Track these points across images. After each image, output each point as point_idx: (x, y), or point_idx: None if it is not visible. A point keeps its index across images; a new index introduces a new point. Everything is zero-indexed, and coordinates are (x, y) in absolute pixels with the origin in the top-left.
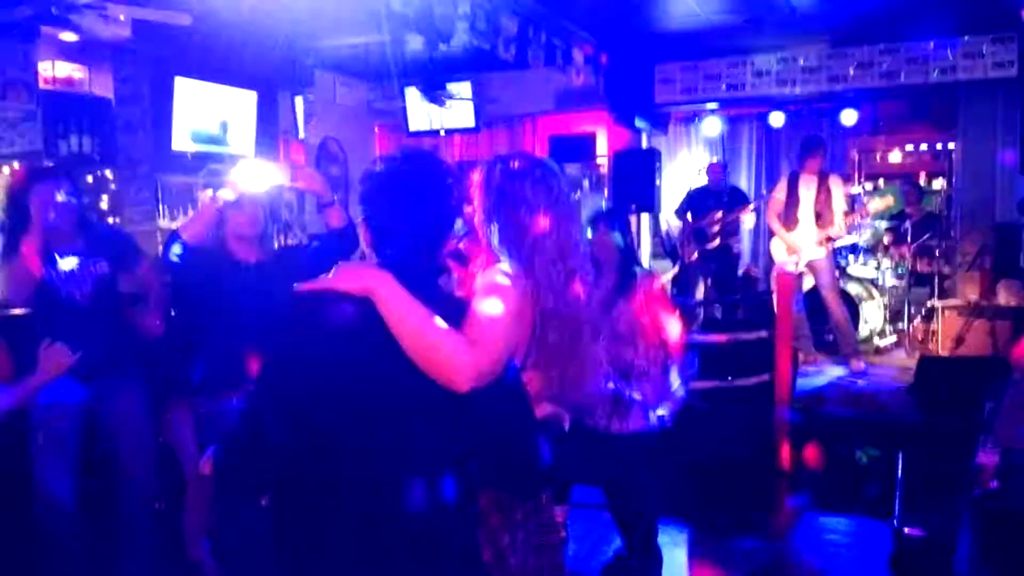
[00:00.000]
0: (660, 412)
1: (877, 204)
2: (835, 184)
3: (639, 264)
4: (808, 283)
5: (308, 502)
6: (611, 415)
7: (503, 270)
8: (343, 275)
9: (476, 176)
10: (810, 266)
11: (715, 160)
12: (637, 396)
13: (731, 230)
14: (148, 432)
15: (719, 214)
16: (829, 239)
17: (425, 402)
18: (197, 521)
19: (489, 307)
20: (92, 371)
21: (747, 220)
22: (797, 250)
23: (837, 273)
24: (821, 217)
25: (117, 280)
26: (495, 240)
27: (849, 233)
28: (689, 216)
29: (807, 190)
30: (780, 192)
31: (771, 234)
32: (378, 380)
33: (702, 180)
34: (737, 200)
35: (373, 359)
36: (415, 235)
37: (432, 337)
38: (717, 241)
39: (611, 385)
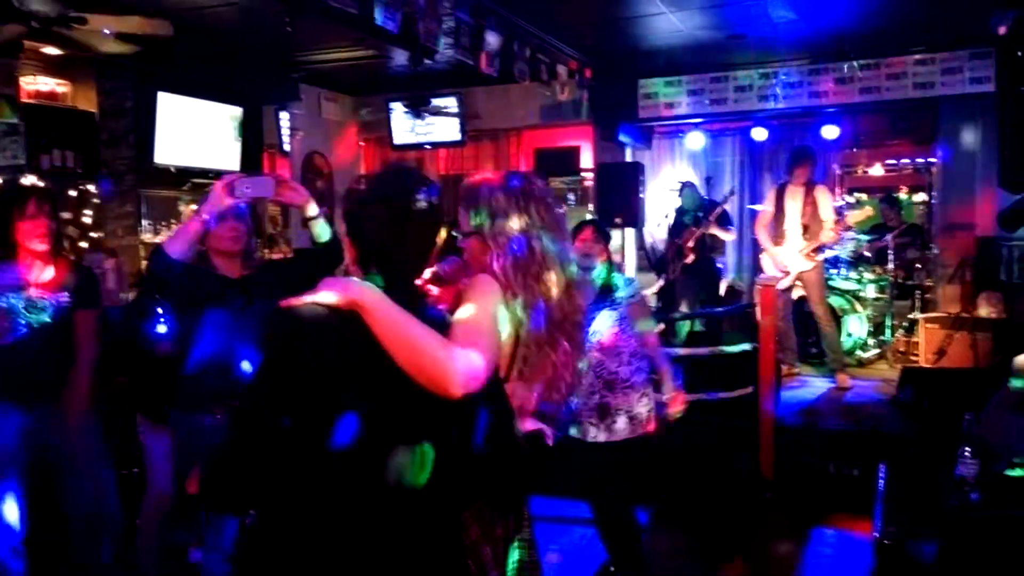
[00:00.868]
0: (647, 420)
1: (857, 216)
2: (822, 194)
3: (621, 273)
4: (795, 294)
5: (295, 516)
6: (597, 425)
7: (487, 279)
8: (328, 289)
9: (476, 194)
10: (801, 279)
11: (693, 174)
12: (621, 406)
13: (712, 244)
14: (101, 463)
15: (692, 229)
16: (816, 250)
17: (410, 414)
18: (152, 540)
19: (476, 314)
20: (36, 400)
21: (724, 235)
22: (784, 265)
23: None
24: (809, 229)
25: (74, 312)
26: (498, 254)
27: (831, 247)
28: (676, 238)
29: (794, 202)
30: (768, 204)
31: (758, 246)
32: (364, 393)
33: (678, 200)
34: (709, 211)
35: (359, 372)
36: (400, 251)
37: (422, 345)
38: (692, 257)
39: (596, 396)
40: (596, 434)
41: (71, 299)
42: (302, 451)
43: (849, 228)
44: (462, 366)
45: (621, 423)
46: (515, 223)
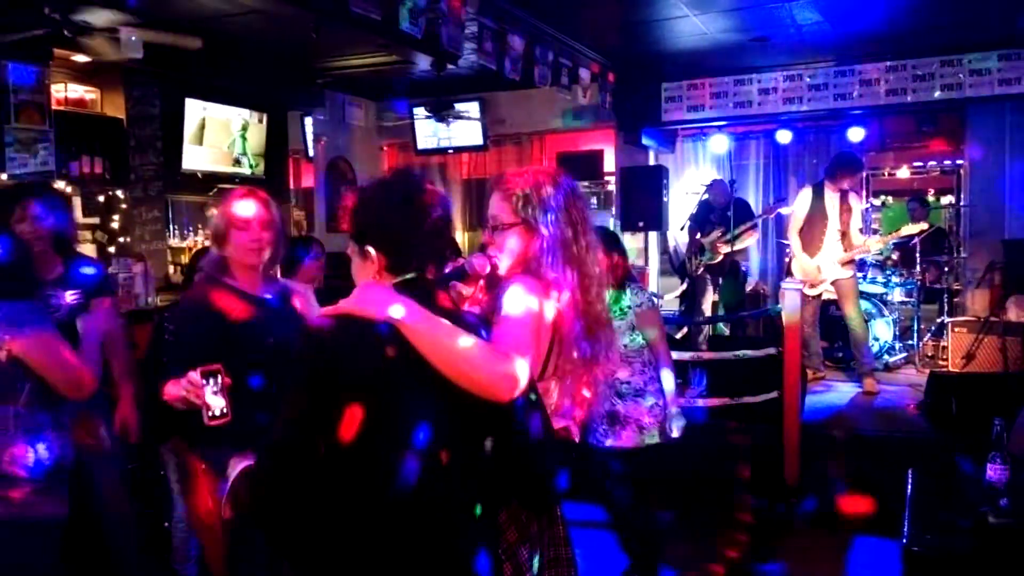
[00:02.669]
0: (657, 430)
1: (911, 229)
2: (855, 201)
3: (635, 282)
4: (819, 292)
5: (332, 525)
6: (605, 432)
7: (528, 278)
8: (365, 301)
9: (525, 186)
10: (835, 285)
11: (718, 177)
12: (631, 415)
13: (734, 251)
14: (118, 478)
15: (719, 232)
16: (852, 260)
17: (450, 418)
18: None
19: (518, 317)
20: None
21: (748, 240)
22: (818, 275)
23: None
24: (846, 236)
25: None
26: (549, 245)
27: (870, 254)
28: (698, 233)
29: (832, 208)
30: (802, 207)
31: (783, 249)
32: (402, 399)
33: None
34: (740, 214)
35: (396, 379)
36: (419, 254)
37: (469, 355)
38: (720, 257)
39: (606, 403)
40: (604, 440)
41: (81, 296)
42: (339, 464)
43: (898, 238)
44: (511, 373)
45: (629, 432)
46: (563, 217)
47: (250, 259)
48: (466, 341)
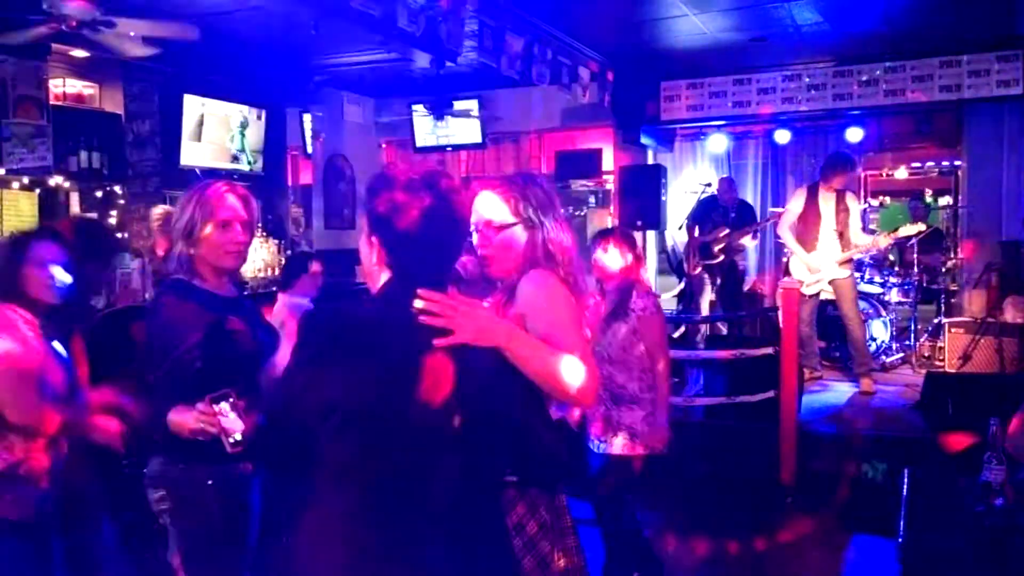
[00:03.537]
0: (650, 439)
1: (908, 230)
2: (852, 201)
3: (644, 285)
4: (817, 291)
5: (343, 506)
6: (598, 437)
7: (545, 272)
8: (473, 328)
9: (520, 186)
10: (833, 285)
11: (725, 175)
12: (624, 421)
13: (737, 247)
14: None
15: (723, 232)
16: (850, 260)
17: (462, 404)
18: None
19: (573, 319)
20: None
21: (748, 242)
22: (818, 270)
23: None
24: (843, 236)
25: None
26: (552, 241)
27: (874, 253)
28: (696, 231)
29: (827, 207)
30: (796, 205)
31: (781, 249)
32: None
33: (706, 194)
34: (744, 215)
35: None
36: (429, 252)
37: (562, 371)
38: (721, 257)
39: (601, 407)
40: (596, 445)
41: None
42: (360, 436)
43: (897, 239)
44: (594, 380)
45: (621, 439)
46: (554, 213)
47: (228, 263)
48: (561, 361)
